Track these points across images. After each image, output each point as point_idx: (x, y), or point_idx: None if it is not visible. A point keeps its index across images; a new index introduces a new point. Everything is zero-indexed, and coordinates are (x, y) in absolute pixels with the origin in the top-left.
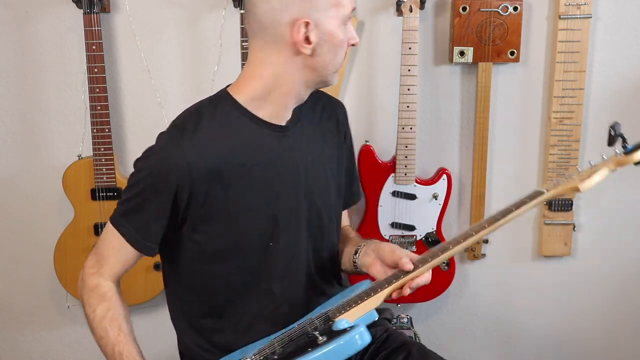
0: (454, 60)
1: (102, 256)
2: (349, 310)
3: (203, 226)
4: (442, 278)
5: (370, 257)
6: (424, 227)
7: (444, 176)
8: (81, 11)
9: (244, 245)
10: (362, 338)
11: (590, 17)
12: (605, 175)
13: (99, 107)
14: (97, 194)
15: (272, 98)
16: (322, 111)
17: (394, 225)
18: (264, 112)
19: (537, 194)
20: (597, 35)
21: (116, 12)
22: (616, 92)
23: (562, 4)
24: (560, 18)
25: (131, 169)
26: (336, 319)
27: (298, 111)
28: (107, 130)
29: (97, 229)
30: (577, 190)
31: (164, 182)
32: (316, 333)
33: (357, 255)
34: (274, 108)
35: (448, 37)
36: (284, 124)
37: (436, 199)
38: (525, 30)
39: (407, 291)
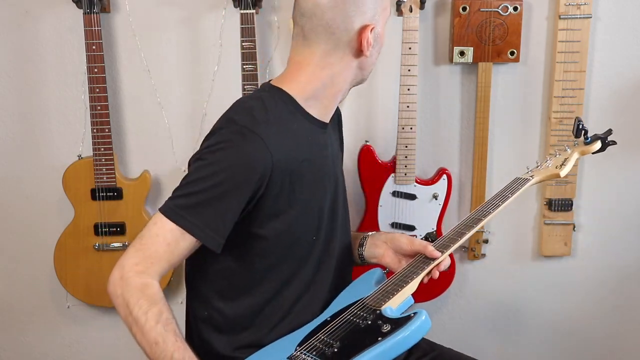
0: (454, 60)
1: (152, 253)
2: (391, 298)
3: (271, 221)
4: (442, 278)
5: (382, 248)
6: (424, 227)
7: (444, 176)
8: (81, 11)
9: (298, 241)
10: (426, 323)
11: (590, 17)
12: (575, 160)
13: (99, 107)
14: (97, 194)
15: (325, 96)
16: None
17: (394, 225)
18: (314, 110)
19: (524, 180)
20: (597, 35)
21: (116, 12)
22: (616, 92)
23: (562, 4)
24: (560, 18)
25: (131, 169)
26: (382, 307)
27: None
28: (107, 130)
29: (97, 229)
30: (557, 176)
31: (250, 174)
32: (377, 322)
33: (363, 247)
34: (324, 106)
35: (448, 37)
36: (327, 121)
37: (436, 199)
38: (525, 30)
39: (436, 274)
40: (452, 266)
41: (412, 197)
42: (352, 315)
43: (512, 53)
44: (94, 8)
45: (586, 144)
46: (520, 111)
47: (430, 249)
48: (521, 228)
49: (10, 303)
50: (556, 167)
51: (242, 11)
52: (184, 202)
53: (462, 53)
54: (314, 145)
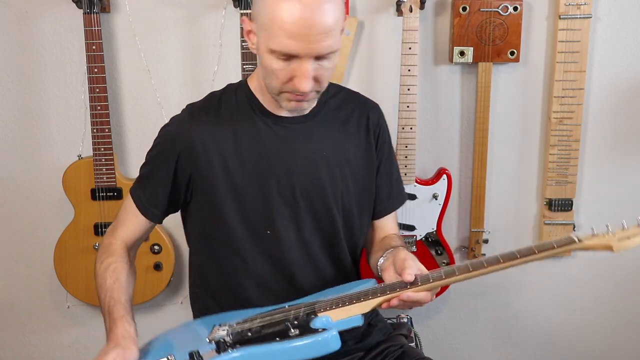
0: (454, 60)
1: (119, 220)
2: (335, 309)
3: (197, 195)
4: None
5: (389, 261)
6: (424, 227)
7: (444, 176)
8: (81, 11)
9: (224, 221)
10: (329, 344)
11: (590, 17)
12: None
13: (99, 107)
14: (97, 194)
15: (267, 91)
16: (349, 113)
17: None
18: (269, 104)
19: (568, 241)
20: (597, 35)
21: (116, 12)
22: (616, 92)
23: (562, 4)
24: (560, 18)
25: (131, 169)
26: (319, 314)
27: (317, 109)
28: (107, 130)
29: (97, 229)
30: (610, 249)
31: (170, 149)
32: (293, 323)
33: (382, 259)
34: (269, 100)
35: (448, 37)
36: (285, 115)
37: (436, 199)
38: (525, 30)
39: (394, 302)
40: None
41: (412, 197)
42: (294, 310)
43: (512, 53)
44: (94, 8)
45: None
46: (520, 111)
47: (407, 271)
48: (521, 228)
49: (10, 303)
50: (619, 239)
51: (242, 11)
52: (138, 175)
53: (462, 53)
54: (255, 135)
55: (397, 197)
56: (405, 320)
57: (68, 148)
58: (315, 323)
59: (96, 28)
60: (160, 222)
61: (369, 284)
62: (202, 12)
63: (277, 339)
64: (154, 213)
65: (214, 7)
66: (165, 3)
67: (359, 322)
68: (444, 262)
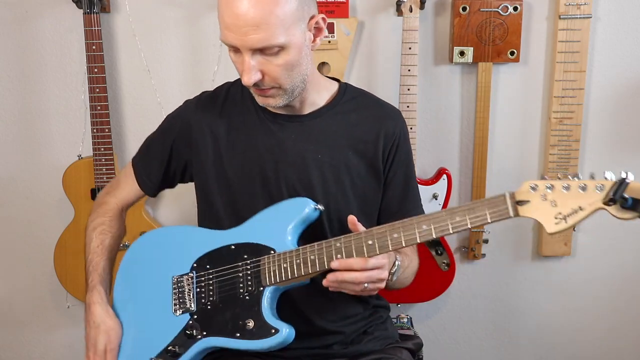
0: (454, 60)
1: (118, 180)
2: (282, 281)
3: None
4: (442, 278)
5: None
6: None
7: (444, 176)
8: (81, 11)
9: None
10: (288, 339)
11: (590, 17)
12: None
13: (99, 107)
14: (97, 194)
15: None
16: (361, 119)
17: None
18: None
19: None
20: (597, 35)
21: (116, 12)
22: (616, 92)
23: (562, 4)
24: (560, 18)
25: None
26: (266, 286)
27: (322, 110)
28: (107, 130)
29: None
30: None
31: (173, 122)
32: (249, 308)
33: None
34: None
35: (448, 37)
36: (276, 111)
37: (436, 199)
38: (525, 30)
39: (329, 279)
40: (452, 266)
41: None
42: (241, 272)
43: (512, 53)
44: (94, 8)
45: (624, 207)
46: (520, 111)
47: (357, 226)
48: (521, 228)
49: (10, 303)
50: (555, 217)
51: None
52: (140, 148)
53: (462, 53)
54: (249, 129)
55: (409, 210)
56: (405, 320)
57: (68, 148)
58: (263, 302)
59: (96, 28)
60: (154, 196)
61: (307, 204)
62: (202, 12)
63: (237, 335)
64: (148, 185)
65: (214, 7)
66: (165, 3)
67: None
68: (444, 262)
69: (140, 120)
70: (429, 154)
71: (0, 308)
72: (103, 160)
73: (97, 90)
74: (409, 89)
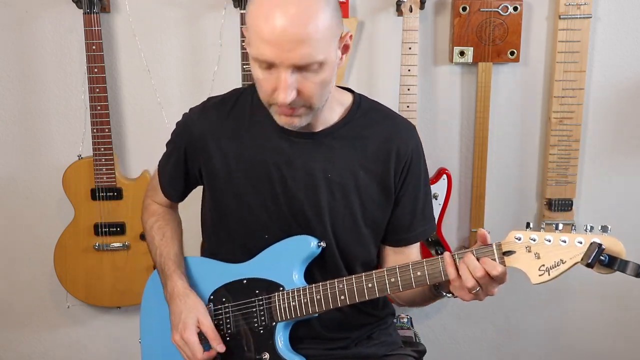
0: (454, 60)
1: (152, 187)
2: (292, 317)
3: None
4: None
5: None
6: None
7: (444, 176)
8: (81, 11)
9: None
10: None
11: (590, 17)
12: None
13: (99, 107)
14: (97, 194)
15: None
16: (375, 136)
17: None
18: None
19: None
20: (597, 35)
21: (116, 12)
22: (616, 92)
23: (562, 4)
24: (560, 18)
25: (131, 169)
26: (279, 322)
27: (335, 127)
28: (107, 130)
29: (97, 229)
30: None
31: (181, 137)
32: (264, 343)
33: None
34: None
35: (448, 37)
36: (289, 128)
37: (436, 199)
38: (525, 30)
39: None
40: None
41: None
42: (255, 307)
43: (512, 53)
44: (94, 8)
45: (602, 265)
46: (520, 111)
47: (487, 239)
48: (521, 228)
49: (10, 303)
50: (539, 269)
51: (242, 11)
52: (164, 154)
53: (462, 53)
54: (259, 143)
55: (417, 230)
56: (405, 320)
57: (68, 148)
58: (276, 338)
59: (96, 28)
60: (180, 201)
61: (308, 241)
62: (202, 12)
63: None
64: (170, 193)
65: (214, 7)
66: (165, 3)
67: (314, 315)
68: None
69: (140, 120)
70: (428, 154)
71: (0, 308)
72: (103, 160)
73: (97, 90)
74: (409, 89)
